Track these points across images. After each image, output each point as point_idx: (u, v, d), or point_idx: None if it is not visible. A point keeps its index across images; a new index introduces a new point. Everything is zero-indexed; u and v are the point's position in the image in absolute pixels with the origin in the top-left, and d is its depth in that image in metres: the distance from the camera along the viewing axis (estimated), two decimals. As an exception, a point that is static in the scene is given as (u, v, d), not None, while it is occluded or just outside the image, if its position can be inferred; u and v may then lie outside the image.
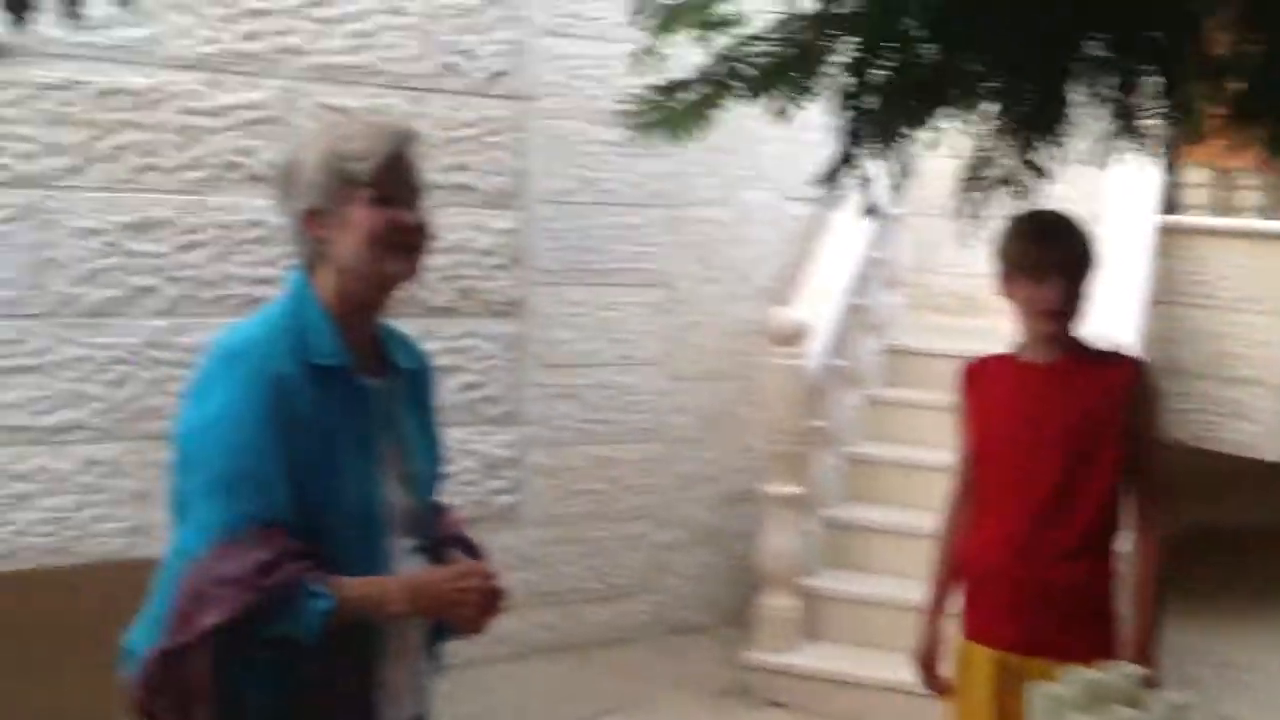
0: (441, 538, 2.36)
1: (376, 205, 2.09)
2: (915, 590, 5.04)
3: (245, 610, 1.94)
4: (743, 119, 2.73)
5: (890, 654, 4.93)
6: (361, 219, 2.08)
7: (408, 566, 2.20)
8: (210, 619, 1.94)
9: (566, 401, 4.86)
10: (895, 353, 6.12)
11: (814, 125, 2.73)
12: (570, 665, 4.83)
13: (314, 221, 2.11)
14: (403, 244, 2.12)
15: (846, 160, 2.61)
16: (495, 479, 3.87)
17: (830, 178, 2.63)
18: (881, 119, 2.58)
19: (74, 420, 3.26)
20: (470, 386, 3.84)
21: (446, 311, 3.79)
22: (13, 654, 3.65)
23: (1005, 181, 2.53)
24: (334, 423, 2.10)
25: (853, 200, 2.69)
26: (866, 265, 5.68)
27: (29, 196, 3.19)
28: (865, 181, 2.59)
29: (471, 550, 2.37)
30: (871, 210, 2.65)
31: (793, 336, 4.89)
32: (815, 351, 5.06)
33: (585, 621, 4.99)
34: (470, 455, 3.85)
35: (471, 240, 3.82)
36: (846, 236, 5.49)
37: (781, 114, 2.75)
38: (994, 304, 6.15)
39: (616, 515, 5.05)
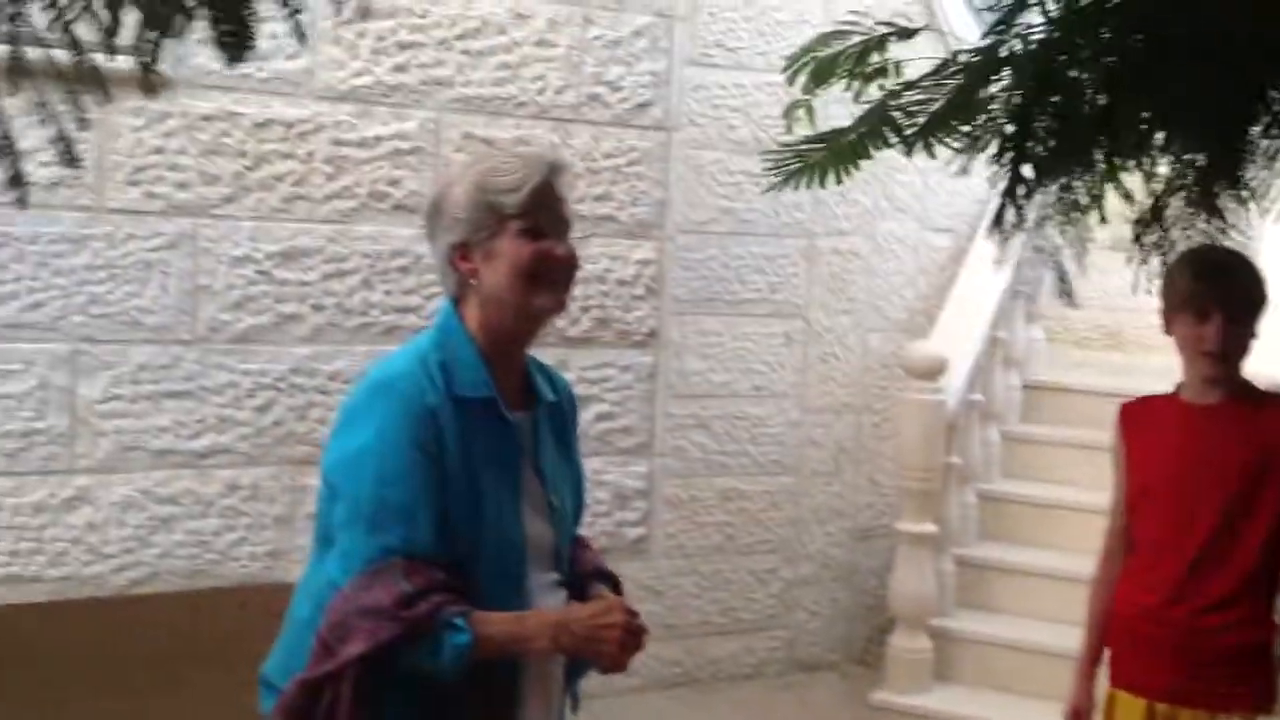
0: (583, 571, 2.34)
1: (525, 237, 2.07)
2: (1050, 633, 4.95)
3: (387, 642, 1.93)
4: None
5: (1023, 699, 4.81)
6: (509, 251, 2.07)
7: (549, 600, 2.18)
8: (352, 649, 1.94)
9: (697, 432, 4.82)
10: (1033, 388, 5.96)
11: (947, 157, 2.68)
12: (695, 700, 4.78)
13: (462, 254, 2.11)
14: (551, 277, 2.10)
15: (1014, 207, 2.55)
16: (626, 510, 3.85)
17: (999, 225, 2.57)
18: (1047, 166, 2.51)
19: (220, 445, 3.31)
20: (604, 417, 3.83)
21: (583, 341, 3.78)
22: (153, 677, 3.72)
23: (1182, 227, 2.45)
24: (478, 455, 2.08)
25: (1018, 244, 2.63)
26: (1006, 297, 5.55)
27: (183, 225, 3.25)
28: (1056, 263, 2.52)
29: (613, 584, 2.34)
30: (1066, 292, 2.58)
31: (930, 371, 4.79)
32: (953, 386, 4.95)
33: (711, 656, 4.94)
34: (603, 486, 3.84)
35: (611, 270, 3.80)
36: (987, 268, 5.36)
37: (934, 156, 2.70)
38: (1139, 338, 5.96)
39: (745, 549, 4.99)
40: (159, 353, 3.23)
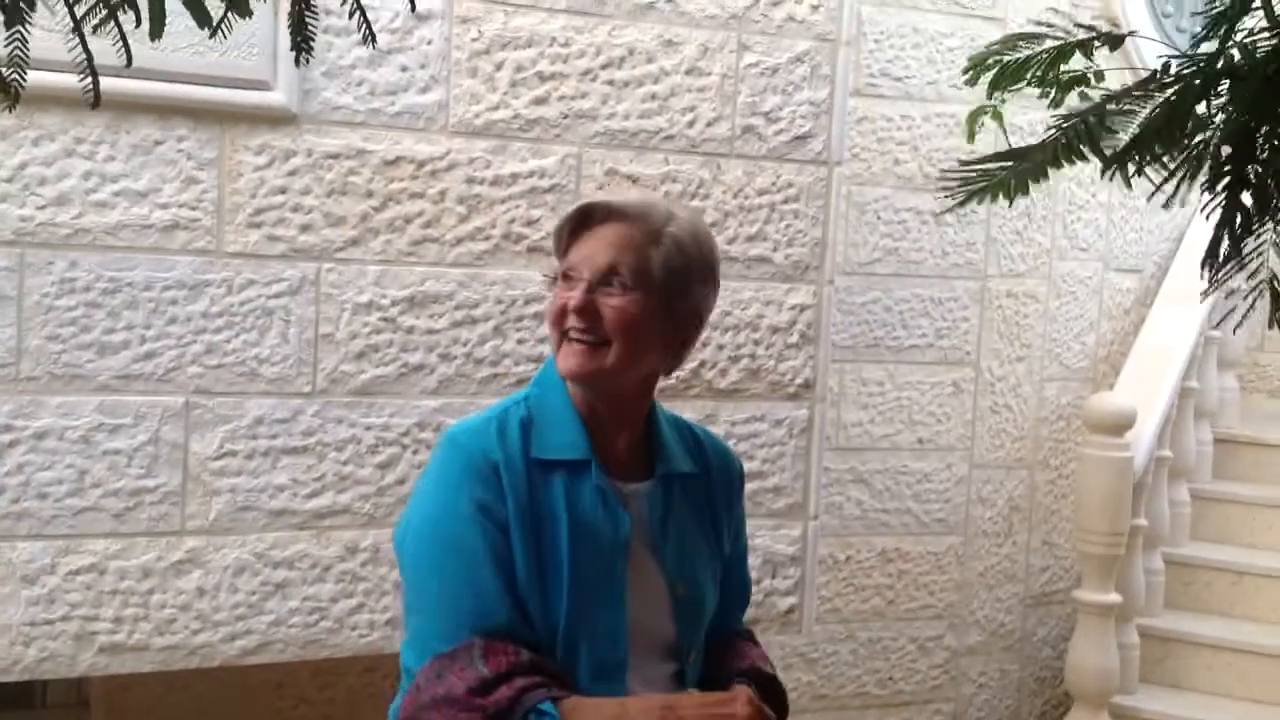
0: (734, 669, 2.06)
1: (558, 284, 1.93)
2: (1245, 715, 4.51)
3: None
4: (1060, 182, 2.37)
5: (1217, 792, 4.40)
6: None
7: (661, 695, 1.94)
8: None
9: (855, 488, 4.52)
10: (1226, 442, 5.54)
11: (1143, 189, 2.35)
12: (850, 779, 4.47)
13: None
14: (570, 333, 1.89)
15: (1230, 240, 2.22)
16: (777, 578, 3.54)
17: (1212, 261, 2.24)
18: (1270, 192, 2.19)
19: (339, 504, 3.09)
20: (753, 476, 3.52)
21: (731, 394, 3.49)
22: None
23: None
24: (562, 525, 1.84)
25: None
26: (1199, 344, 5.13)
27: (305, 270, 3.05)
28: (1273, 292, 2.19)
29: (768, 688, 2.06)
30: None
31: (1117, 425, 4.41)
32: (1141, 441, 4.57)
33: (869, 730, 4.61)
34: (751, 552, 3.53)
35: (763, 317, 3.51)
36: (1179, 311, 4.96)
37: (1140, 175, 2.37)
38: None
39: (907, 614, 4.64)
40: (277, 406, 3.03)
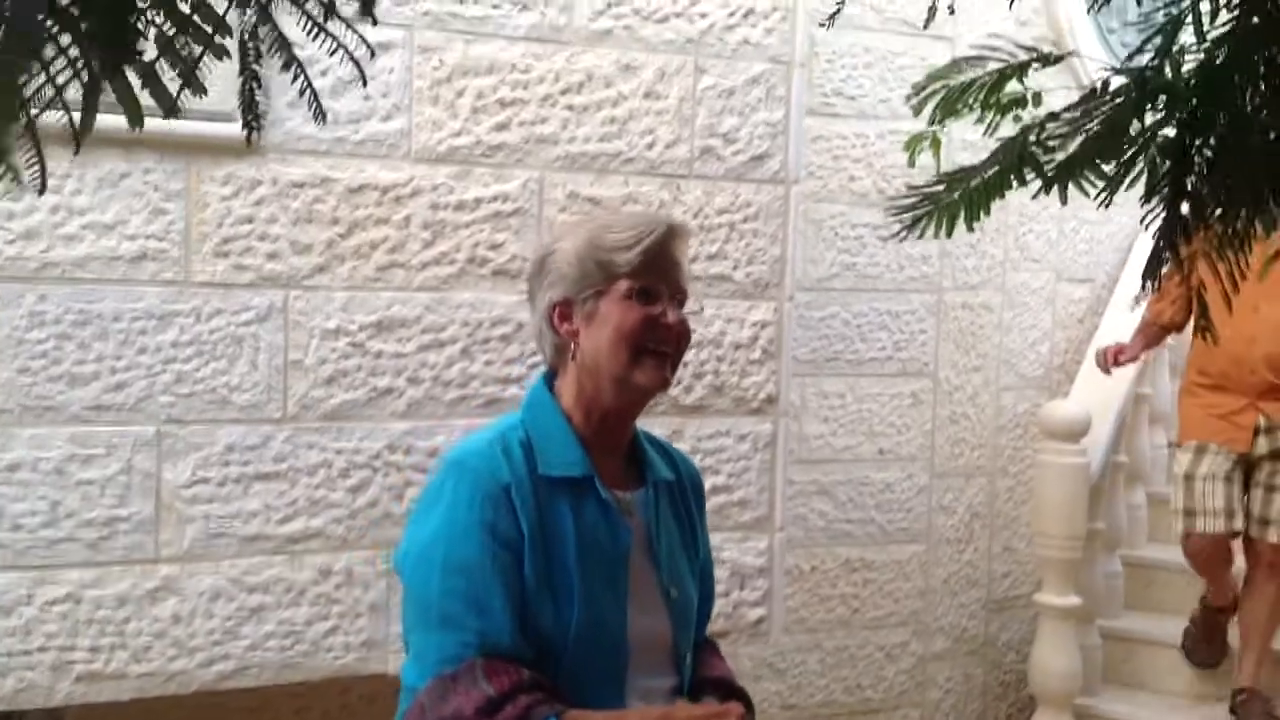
0: (707, 678, 2.11)
1: (634, 301, 1.89)
2: (1204, 714, 4.59)
3: None
4: (1012, 194, 2.44)
5: (1179, 791, 4.47)
6: (615, 314, 1.89)
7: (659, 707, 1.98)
8: None
9: (819, 500, 4.58)
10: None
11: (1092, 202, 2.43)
12: (821, 787, 4.52)
13: (562, 313, 1.94)
14: (657, 348, 1.90)
15: (1171, 253, 2.29)
16: (746, 590, 3.60)
17: (1151, 274, 2.31)
18: (1209, 205, 2.26)
19: (312, 528, 3.13)
20: (720, 490, 3.58)
21: (697, 410, 3.55)
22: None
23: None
24: (570, 541, 1.87)
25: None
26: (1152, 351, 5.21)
27: (273, 297, 3.09)
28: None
29: (740, 698, 2.10)
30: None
31: (1072, 432, 4.51)
32: (1096, 447, 4.66)
33: (837, 738, 4.67)
34: (719, 565, 3.58)
35: (725, 333, 3.57)
36: (1130, 319, 5.05)
37: (1084, 193, 2.44)
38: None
39: (872, 622, 4.71)
40: (248, 432, 3.07)
